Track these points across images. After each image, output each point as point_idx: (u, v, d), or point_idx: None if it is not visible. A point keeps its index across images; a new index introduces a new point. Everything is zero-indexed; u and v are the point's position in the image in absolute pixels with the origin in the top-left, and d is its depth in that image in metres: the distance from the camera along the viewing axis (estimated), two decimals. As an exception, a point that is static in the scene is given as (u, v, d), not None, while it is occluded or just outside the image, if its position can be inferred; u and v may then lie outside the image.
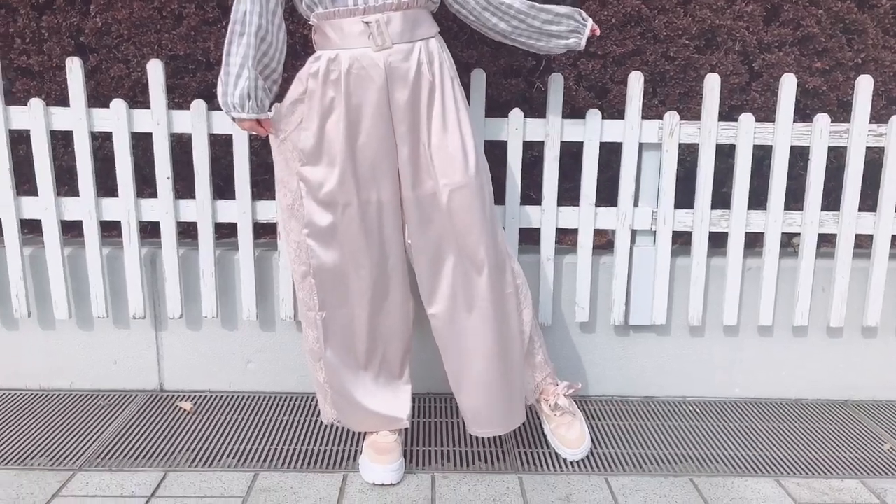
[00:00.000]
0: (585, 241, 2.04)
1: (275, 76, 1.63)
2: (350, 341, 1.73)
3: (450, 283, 1.65)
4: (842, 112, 2.13)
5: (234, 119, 1.60)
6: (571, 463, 1.79)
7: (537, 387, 1.84)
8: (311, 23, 1.61)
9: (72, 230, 2.18)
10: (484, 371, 1.66)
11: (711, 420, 2.04)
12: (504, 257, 1.68)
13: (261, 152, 2.14)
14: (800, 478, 1.75)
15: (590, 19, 1.73)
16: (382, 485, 1.68)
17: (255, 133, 1.66)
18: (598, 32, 1.75)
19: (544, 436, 1.88)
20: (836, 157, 2.15)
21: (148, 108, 1.98)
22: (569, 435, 1.81)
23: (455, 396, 1.75)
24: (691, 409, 2.11)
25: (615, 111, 2.09)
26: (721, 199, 2.14)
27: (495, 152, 2.08)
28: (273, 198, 2.10)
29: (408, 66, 1.55)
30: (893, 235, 2.12)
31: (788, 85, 1.96)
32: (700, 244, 2.05)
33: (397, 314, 1.74)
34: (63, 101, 2.07)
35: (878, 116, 2.12)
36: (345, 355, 1.73)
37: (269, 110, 1.63)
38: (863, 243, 2.19)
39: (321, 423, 1.98)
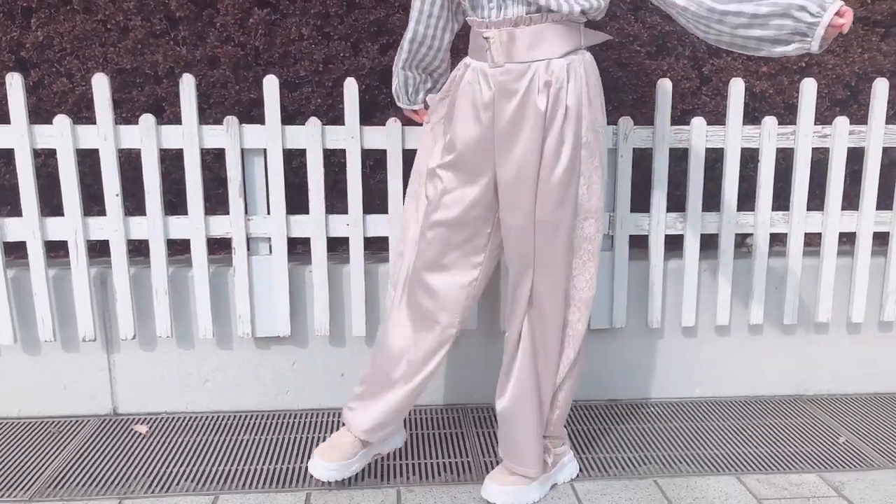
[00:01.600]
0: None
1: (439, 72, 1.73)
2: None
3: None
4: (788, 114, 2.19)
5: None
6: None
7: None
8: None
9: (16, 251, 2.10)
10: None
11: (674, 421, 2.06)
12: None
13: (213, 166, 2.10)
14: (760, 474, 1.78)
15: (832, 7, 1.30)
16: (320, 480, 1.68)
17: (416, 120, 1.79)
18: (844, 27, 1.32)
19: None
20: (785, 159, 2.20)
21: (94, 123, 1.92)
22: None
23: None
24: (654, 410, 2.13)
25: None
26: (676, 202, 2.18)
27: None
28: (226, 212, 2.06)
29: (516, 88, 1.47)
30: (841, 233, 2.18)
31: (737, 89, 2.01)
32: (657, 247, 2.07)
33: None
34: (3, 118, 2.00)
35: (822, 118, 2.18)
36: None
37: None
38: (812, 241, 2.25)
39: (283, 441, 1.94)
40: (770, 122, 2.04)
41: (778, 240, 2.27)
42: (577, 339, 1.64)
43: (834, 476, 1.77)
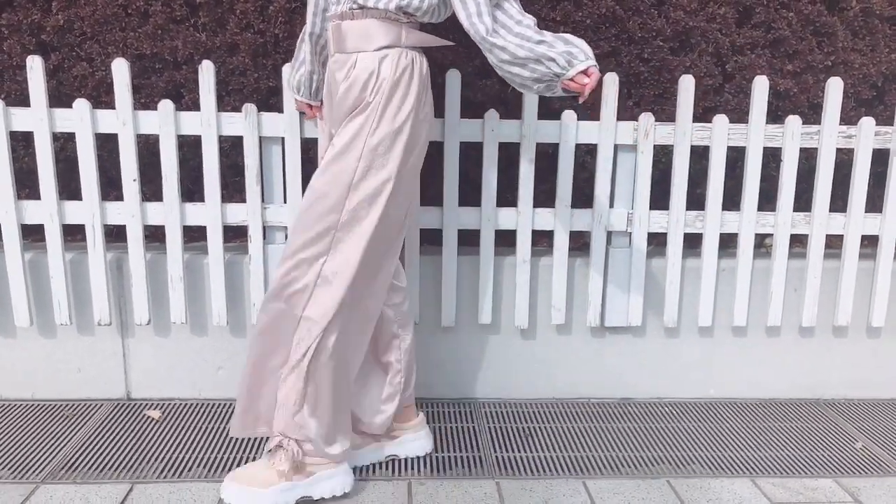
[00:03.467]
0: (561, 243, 2.03)
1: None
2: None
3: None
4: (812, 114, 2.15)
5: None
6: (550, 467, 1.78)
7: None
8: None
9: (33, 234, 2.11)
10: None
11: (687, 421, 2.04)
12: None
13: (230, 154, 2.10)
14: (775, 477, 1.76)
15: (578, 66, 1.43)
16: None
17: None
18: (588, 87, 1.44)
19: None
20: (808, 159, 2.17)
21: (113, 108, 1.92)
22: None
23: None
24: (667, 410, 2.11)
25: (591, 114, 2.09)
26: (695, 200, 2.15)
27: (471, 153, 2.06)
28: (243, 200, 2.06)
29: (340, 77, 1.56)
30: (863, 236, 2.15)
31: (761, 87, 1.98)
32: (675, 245, 2.05)
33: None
34: (23, 101, 2.00)
35: (847, 118, 2.15)
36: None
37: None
38: (833, 243, 2.22)
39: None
40: (794, 121, 2.01)
41: (797, 241, 2.23)
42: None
43: (850, 481, 1.75)
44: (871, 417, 2.10)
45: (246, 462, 1.77)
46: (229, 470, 1.74)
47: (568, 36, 1.49)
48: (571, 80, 1.45)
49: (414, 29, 1.57)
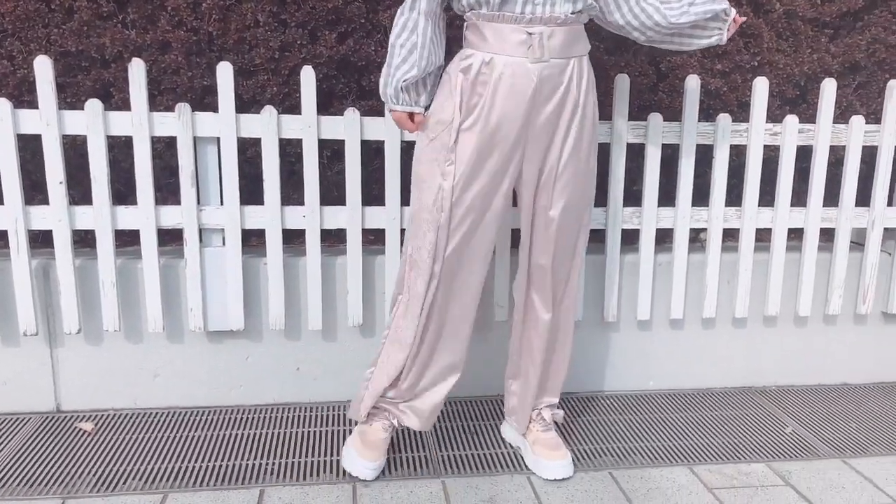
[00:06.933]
0: (503, 240, 2.05)
1: (436, 70, 1.62)
2: (442, 340, 1.70)
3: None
4: (741, 112, 2.23)
5: (390, 110, 1.62)
6: (494, 464, 1.79)
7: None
8: (466, 19, 1.57)
9: (-49, 241, 2.00)
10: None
11: (628, 413, 2.09)
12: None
13: (164, 155, 2.04)
14: (711, 464, 1.82)
15: (732, 11, 1.67)
16: (357, 478, 1.70)
17: (404, 128, 1.63)
18: (738, 23, 1.69)
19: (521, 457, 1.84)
20: (737, 155, 2.25)
21: (36, 108, 1.84)
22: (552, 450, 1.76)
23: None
24: (608, 403, 2.15)
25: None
26: (632, 197, 2.20)
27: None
28: (177, 202, 2.00)
29: (559, 82, 1.55)
30: (790, 229, 2.24)
31: (693, 86, 2.04)
32: (613, 241, 2.09)
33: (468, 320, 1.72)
34: (-63, 100, 1.90)
35: (773, 116, 2.24)
36: (434, 350, 1.71)
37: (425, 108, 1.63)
38: (763, 237, 2.31)
39: (236, 437, 1.90)
40: (724, 119, 2.08)
41: (729, 235, 2.31)
42: None
43: (781, 465, 1.82)
44: (799, 403, 2.19)
45: (187, 472, 1.72)
46: (167, 480, 1.68)
47: None
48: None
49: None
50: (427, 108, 1.63)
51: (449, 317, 1.67)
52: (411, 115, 1.61)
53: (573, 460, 1.79)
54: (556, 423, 1.90)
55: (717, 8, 1.65)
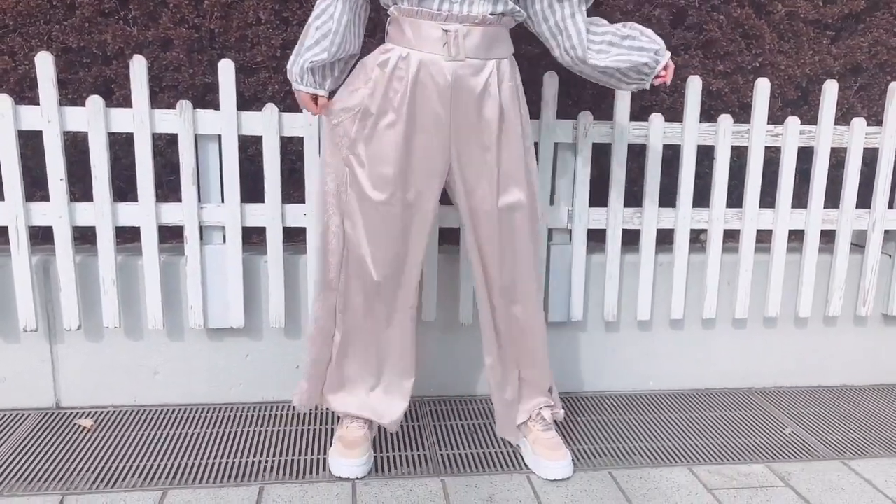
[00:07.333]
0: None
1: (348, 58, 1.63)
2: (365, 333, 1.72)
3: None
4: (742, 113, 2.23)
5: (295, 90, 1.61)
6: (494, 462, 1.79)
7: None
8: (389, 13, 1.57)
9: (-48, 237, 2.00)
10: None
11: (628, 413, 2.09)
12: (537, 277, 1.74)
13: (165, 152, 2.03)
14: (710, 465, 1.82)
15: (664, 59, 1.63)
16: (348, 479, 1.70)
17: (308, 110, 1.63)
18: (669, 76, 1.65)
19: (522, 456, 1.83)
20: (738, 156, 2.25)
21: (37, 104, 1.84)
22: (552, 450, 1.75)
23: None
24: (609, 403, 2.15)
25: (530, 112, 2.11)
26: (633, 197, 2.20)
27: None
28: (178, 200, 2.00)
29: (476, 83, 1.54)
30: (790, 230, 2.24)
31: (694, 86, 2.04)
32: (614, 241, 2.09)
33: (405, 314, 1.72)
34: (-62, 95, 1.89)
35: (774, 117, 2.24)
36: (357, 342, 1.74)
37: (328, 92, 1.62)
38: (763, 238, 2.31)
39: (235, 434, 1.89)
40: (726, 120, 2.08)
41: (730, 236, 2.31)
42: None
43: (781, 466, 1.82)
44: (799, 404, 2.19)
45: (186, 469, 1.72)
46: (166, 477, 1.68)
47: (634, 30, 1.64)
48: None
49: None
50: (333, 93, 1.63)
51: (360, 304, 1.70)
52: (315, 99, 1.61)
53: (573, 460, 1.79)
54: (556, 422, 1.89)
55: (640, 61, 1.61)
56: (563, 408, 1.96)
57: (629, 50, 1.62)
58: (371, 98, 1.55)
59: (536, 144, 2.02)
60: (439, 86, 1.53)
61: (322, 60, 1.55)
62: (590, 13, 2.09)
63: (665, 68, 1.65)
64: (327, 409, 2.01)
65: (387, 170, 1.57)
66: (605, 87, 2.13)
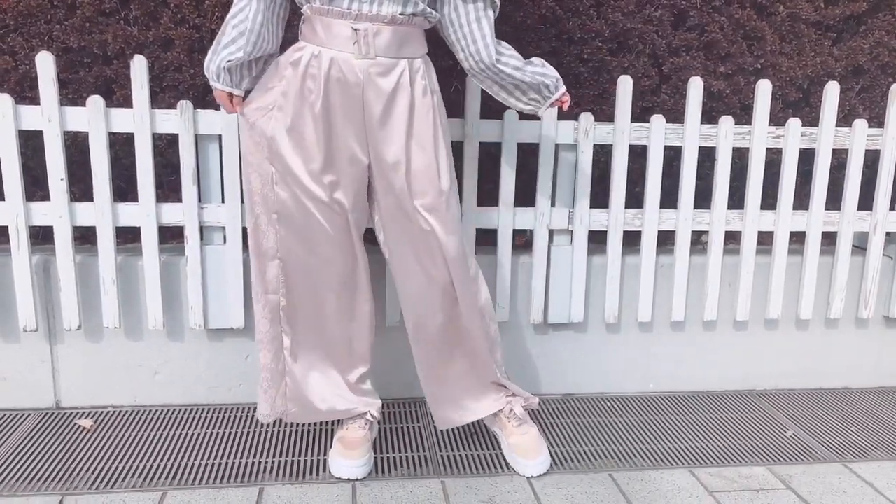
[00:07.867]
0: (504, 242, 2.04)
1: (267, 57, 1.63)
2: (317, 331, 1.73)
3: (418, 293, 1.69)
4: (744, 114, 2.23)
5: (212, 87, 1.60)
6: (494, 464, 1.79)
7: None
8: (303, 12, 1.57)
9: (-48, 236, 2.00)
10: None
11: (629, 415, 2.09)
12: (472, 272, 1.72)
13: (166, 152, 2.03)
14: (711, 467, 1.81)
15: (561, 89, 1.69)
16: (348, 479, 1.70)
17: (224, 107, 1.62)
18: (565, 104, 1.72)
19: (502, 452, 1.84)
20: (740, 158, 2.24)
21: (38, 104, 1.84)
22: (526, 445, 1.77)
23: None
24: (609, 404, 2.15)
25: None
26: (634, 198, 2.19)
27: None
28: (179, 200, 2.00)
29: (387, 81, 1.55)
30: (791, 232, 2.24)
31: (696, 88, 2.03)
32: (615, 243, 2.09)
33: (363, 311, 1.74)
34: (-61, 95, 1.89)
35: (776, 119, 2.23)
36: (310, 343, 1.73)
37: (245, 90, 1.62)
38: (764, 240, 2.30)
39: (235, 435, 1.89)
40: (727, 121, 2.07)
41: (731, 237, 2.31)
42: None
43: (782, 469, 1.82)
44: (800, 406, 2.18)
45: (186, 470, 1.72)
46: (166, 478, 1.68)
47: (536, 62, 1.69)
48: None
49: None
50: (249, 92, 1.63)
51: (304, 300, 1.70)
52: (231, 97, 1.61)
53: (572, 459, 1.79)
54: (531, 411, 1.88)
55: (543, 81, 1.66)
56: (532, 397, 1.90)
57: (532, 74, 1.67)
58: (285, 97, 1.56)
59: (537, 146, 2.02)
60: (351, 84, 1.54)
61: (238, 59, 1.55)
62: (592, 14, 2.10)
63: (562, 98, 1.71)
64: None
65: (311, 166, 1.58)
66: (605, 88, 2.13)
